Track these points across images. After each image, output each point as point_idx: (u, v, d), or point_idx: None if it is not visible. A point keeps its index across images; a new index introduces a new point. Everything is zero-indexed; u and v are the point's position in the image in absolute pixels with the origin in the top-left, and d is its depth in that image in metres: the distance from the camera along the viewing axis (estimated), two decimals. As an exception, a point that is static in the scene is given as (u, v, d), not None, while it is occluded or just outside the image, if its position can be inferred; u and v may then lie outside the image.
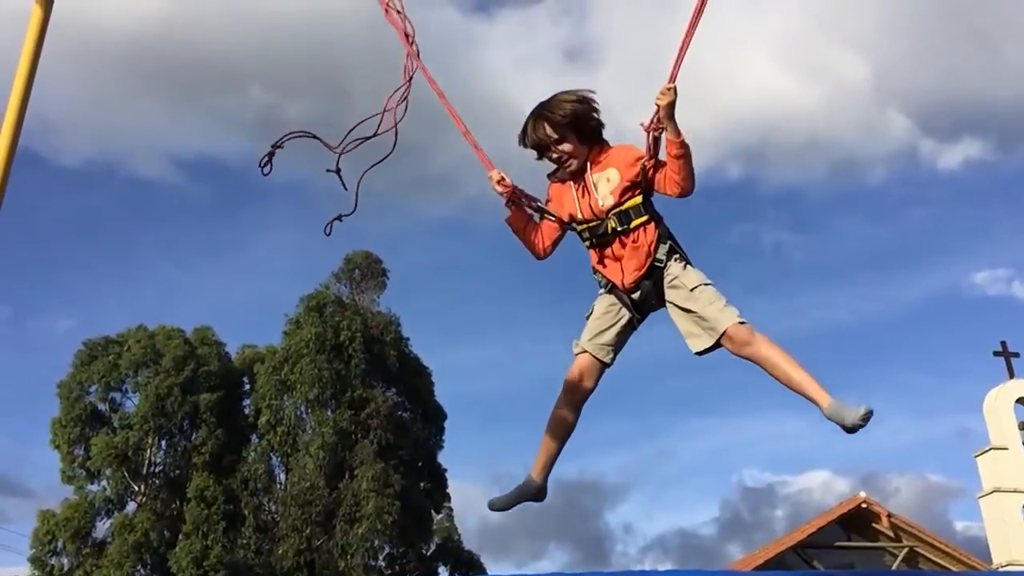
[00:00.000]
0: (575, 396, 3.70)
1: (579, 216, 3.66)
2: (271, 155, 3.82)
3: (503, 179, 3.78)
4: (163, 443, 26.39)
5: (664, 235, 3.61)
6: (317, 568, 24.13)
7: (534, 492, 3.75)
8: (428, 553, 26.82)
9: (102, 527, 25.14)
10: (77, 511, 24.67)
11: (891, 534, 20.63)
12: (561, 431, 3.74)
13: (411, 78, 3.86)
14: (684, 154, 3.47)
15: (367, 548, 24.11)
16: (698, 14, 3.43)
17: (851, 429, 3.23)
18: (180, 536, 24.15)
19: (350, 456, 24.95)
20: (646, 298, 3.63)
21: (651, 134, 3.55)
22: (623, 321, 3.66)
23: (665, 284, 3.59)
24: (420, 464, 26.96)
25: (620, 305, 3.65)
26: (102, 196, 49.98)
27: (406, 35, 3.91)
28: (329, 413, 25.57)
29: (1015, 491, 19.14)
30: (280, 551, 24.01)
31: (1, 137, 3.28)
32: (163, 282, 46.10)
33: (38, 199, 43.13)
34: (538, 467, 3.76)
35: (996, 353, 20.56)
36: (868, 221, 57.40)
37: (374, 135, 3.79)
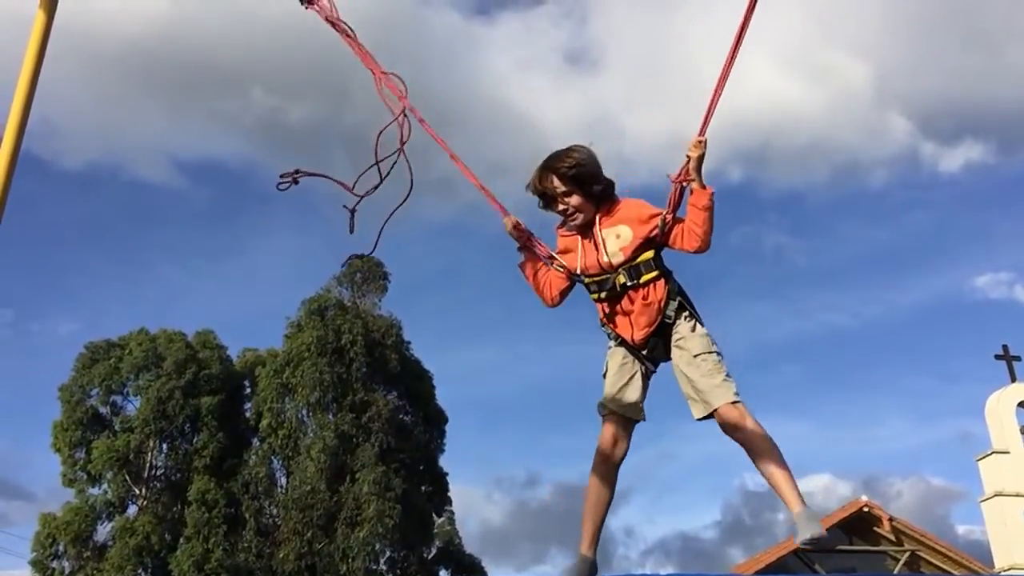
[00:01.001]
0: (612, 461, 3.63)
1: (587, 270, 3.64)
2: (295, 180, 3.83)
3: (518, 224, 3.78)
4: (164, 446, 26.40)
5: (674, 291, 3.58)
6: (318, 571, 24.11)
7: (588, 570, 3.64)
8: (429, 557, 26.80)
9: (103, 530, 25.19)
10: (78, 514, 24.67)
11: (893, 538, 20.59)
12: (603, 500, 3.67)
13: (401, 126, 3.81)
14: (711, 206, 3.46)
15: (368, 552, 24.09)
16: (729, 66, 3.42)
17: (799, 543, 3.27)
18: (181, 539, 24.14)
19: (351, 459, 24.94)
20: (656, 352, 3.61)
21: (678, 186, 3.53)
22: (640, 372, 3.63)
23: (672, 341, 3.57)
24: (421, 467, 26.96)
25: (633, 357, 3.63)
26: (104, 199, 50.02)
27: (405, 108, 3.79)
28: (330, 416, 25.57)
29: (1017, 495, 19.11)
30: (281, 555, 23.99)
31: (4, 140, 3.28)
32: (165, 285, 46.15)
33: (40, 202, 43.22)
34: (586, 542, 3.66)
35: (998, 357, 20.55)
36: (869, 224, 57.40)
37: (381, 182, 3.78)
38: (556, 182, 3.62)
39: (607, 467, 3.63)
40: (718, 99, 3.44)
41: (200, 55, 45.82)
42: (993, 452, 19.65)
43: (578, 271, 3.66)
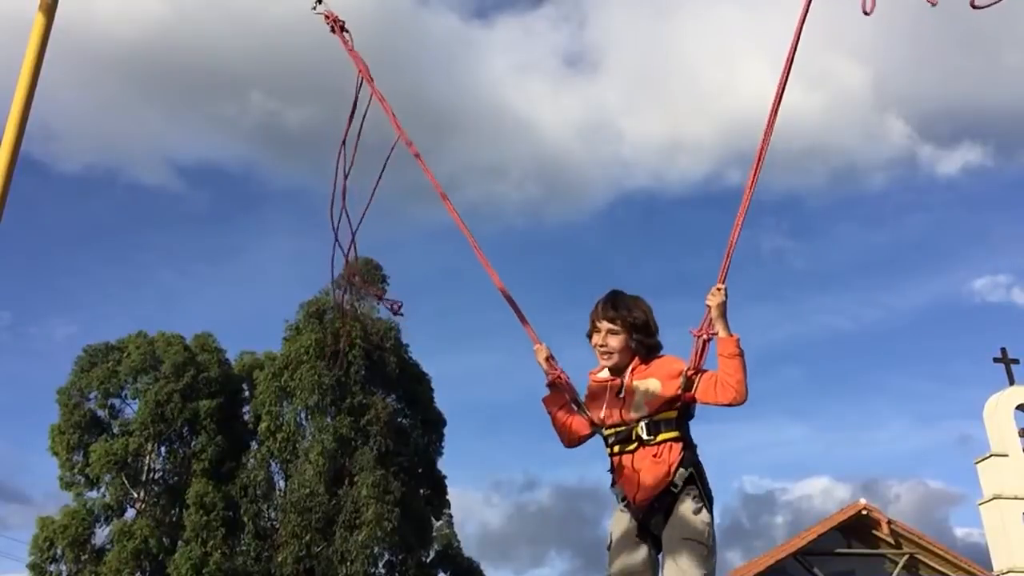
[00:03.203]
0: None
1: (609, 420, 3.53)
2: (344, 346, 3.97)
3: (550, 358, 3.72)
4: (162, 449, 26.36)
5: (688, 461, 3.42)
6: (317, 575, 24.07)
7: None
8: (428, 560, 26.76)
9: (101, 534, 25.13)
10: (76, 518, 24.61)
11: (891, 541, 20.57)
12: None
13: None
14: (740, 354, 3.33)
15: (367, 555, 24.06)
16: (751, 187, 3.44)
17: None
18: (179, 543, 24.10)
19: (350, 463, 24.92)
20: (655, 526, 3.42)
21: (701, 339, 3.41)
22: (646, 541, 3.46)
23: (671, 514, 3.39)
24: (420, 471, 26.93)
25: (637, 524, 3.45)
26: (102, 202, 50.14)
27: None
28: (329, 419, 25.54)
29: (1015, 498, 19.10)
30: (280, 558, 23.95)
31: (3, 143, 3.28)
32: (163, 288, 46.22)
33: (39, 205, 43.23)
34: None
35: (996, 360, 20.56)
36: (868, 227, 57.55)
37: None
38: (610, 318, 3.57)
39: None
40: (733, 247, 3.41)
41: (199, 59, 45.90)
42: (992, 455, 19.64)
43: (607, 420, 3.53)
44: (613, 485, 3.55)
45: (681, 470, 3.39)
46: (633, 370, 3.55)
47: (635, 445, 3.44)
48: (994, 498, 19.25)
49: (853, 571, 20.17)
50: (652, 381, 3.49)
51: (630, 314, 3.56)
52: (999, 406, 19.99)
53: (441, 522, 27.50)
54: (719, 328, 3.34)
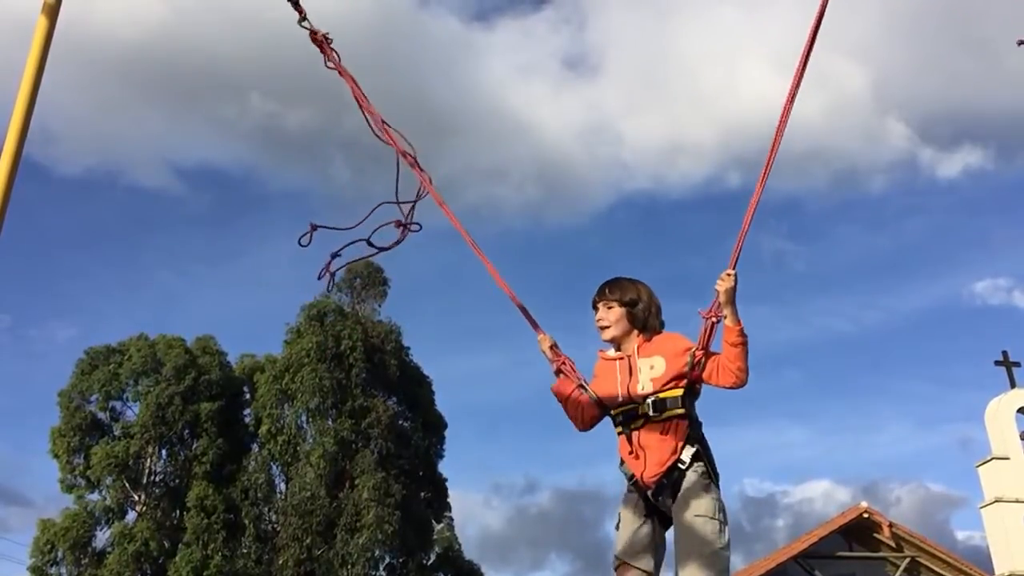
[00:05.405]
0: None
1: (616, 398, 3.55)
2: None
3: (554, 346, 3.77)
4: (163, 452, 26.37)
5: (695, 438, 3.45)
6: (317, 578, 24.07)
7: None
8: (428, 563, 26.76)
9: (102, 536, 25.13)
10: (77, 520, 24.62)
11: (892, 544, 20.55)
12: None
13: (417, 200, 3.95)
14: (743, 342, 3.39)
15: (368, 558, 24.06)
16: (759, 191, 3.47)
17: None
18: (180, 545, 24.10)
19: (351, 465, 24.93)
20: (664, 505, 3.43)
21: (709, 321, 3.45)
22: (655, 522, 3.48)
23: (680, 491, 3.40)
24: (421, 473, 26.94)
25: (645, 505, 3.47)
26: (103, 205, 50.10)
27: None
28: (330, 422, 25.56)
29: (1017, 501, 19.10)
30: (280, 561, 23.95)
31: (5, 148, 3.28)
32: (164, 291, 46.15)
33: (39, 208, 43.22)
34: None
35: (997, 363, 20.56)
36: (868, 230, 57.51)
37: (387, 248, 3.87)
38: (607, 292, 3.68)
39: None
40: (744, 236, 3.46)
41: (198, 61, 45.92)
42: (993, 458, 19.63)
43: (615, 399, 3.56)
44: (621, 464, 3.57)
45: (688, 447, 3.41)
46: (639, 348, 3.60)
47: (641, 422, 3.47)
48: (995, 501, 19.24)
49: (854, 574, 20.14)
50: (658, 359, 3.53)
51: (623, 289, 3.66)
52: (1000, 409, 19.99)
53: (442, 525, 27.50)
54: (727, 313, 3.39)
